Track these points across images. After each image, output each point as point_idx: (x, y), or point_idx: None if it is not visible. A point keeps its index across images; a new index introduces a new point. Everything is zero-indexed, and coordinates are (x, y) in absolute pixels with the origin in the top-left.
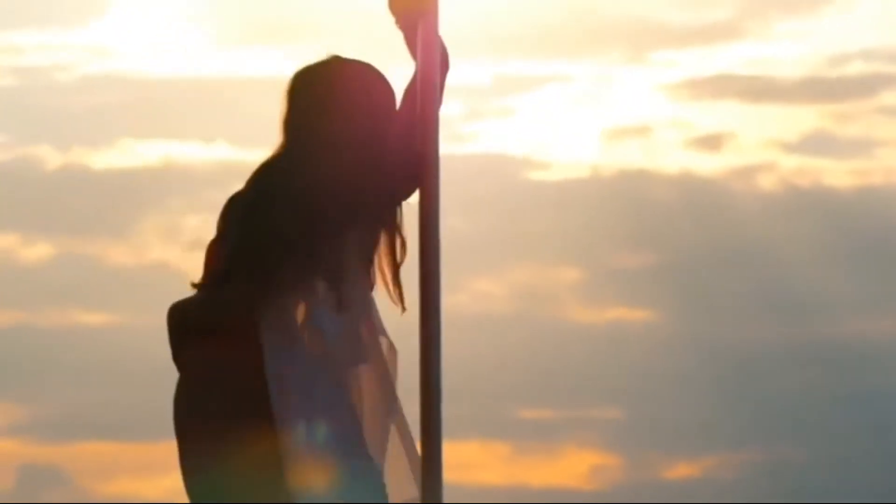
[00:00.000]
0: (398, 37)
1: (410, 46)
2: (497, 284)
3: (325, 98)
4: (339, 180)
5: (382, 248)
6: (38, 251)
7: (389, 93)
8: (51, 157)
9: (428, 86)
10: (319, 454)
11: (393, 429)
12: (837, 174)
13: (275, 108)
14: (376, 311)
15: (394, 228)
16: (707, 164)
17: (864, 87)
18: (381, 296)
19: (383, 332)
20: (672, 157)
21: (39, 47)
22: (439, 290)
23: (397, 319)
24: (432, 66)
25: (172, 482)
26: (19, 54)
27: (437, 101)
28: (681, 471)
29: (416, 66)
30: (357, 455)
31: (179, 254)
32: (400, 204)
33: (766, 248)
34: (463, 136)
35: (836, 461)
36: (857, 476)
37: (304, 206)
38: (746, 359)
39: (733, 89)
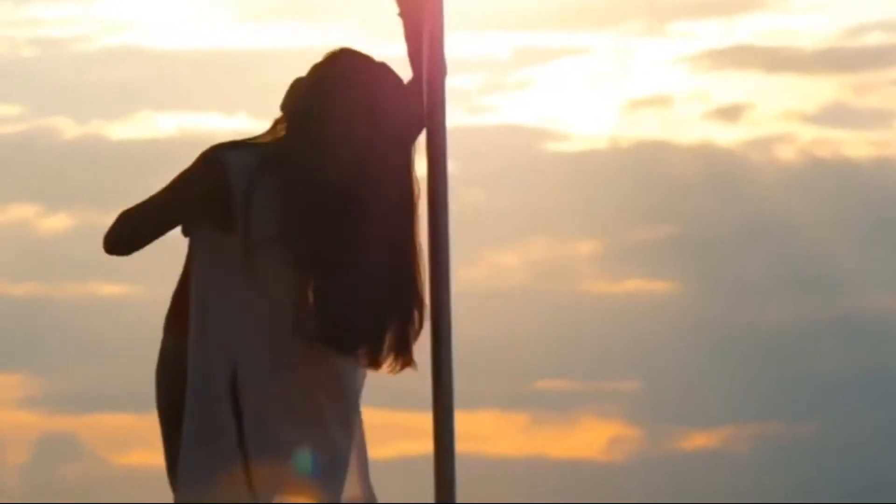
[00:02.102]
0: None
1: (409, 34)
2: (515, 257)
3: (330, 93)
4: (338, 176)
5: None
6: (56, 222)
7: (395, 89)
8: (69, 129)
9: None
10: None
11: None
12: (856, 145)
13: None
14: None
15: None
16: (726, 136)
17: (883, 58)
18: None
19: None
20: (691, 129)
21: (59, 19)
22: (448, 264)
23: None
24: (437, 46)
25: None
26: (39, 26)
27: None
28: (697, 441)
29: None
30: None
31: None
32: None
33: (784, 219)
34: (481, 108)
35: (852, 436)
36: (872, 450)
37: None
38: (764, 331)
39: (753, 60)
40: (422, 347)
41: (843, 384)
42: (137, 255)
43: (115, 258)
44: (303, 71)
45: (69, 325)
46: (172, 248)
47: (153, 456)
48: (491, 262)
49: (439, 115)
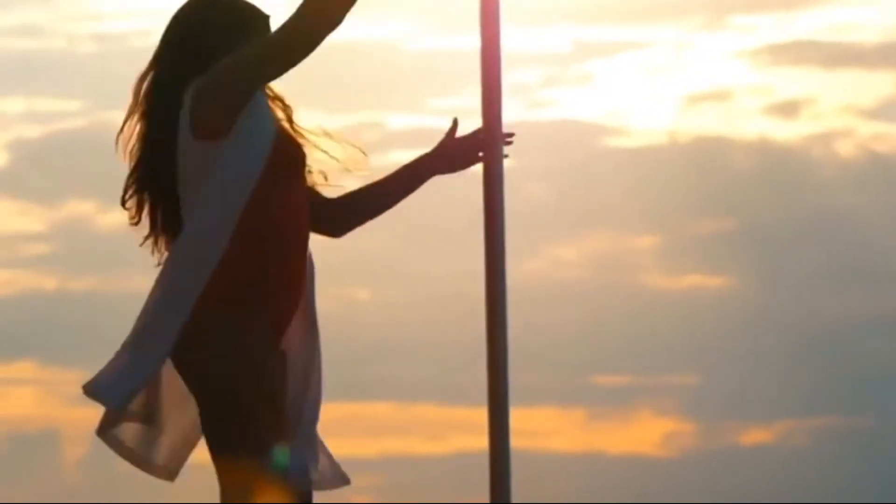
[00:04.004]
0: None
1: None
2: (574, 251)
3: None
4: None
5: None
6: (114, 218)
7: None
8: None
9: (490, 58)
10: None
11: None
12: None
13: (347, 74)
14: None
15: None
16: (785, 131)
17: None
18: None
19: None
20: (750, 124)
21: (119, 14)
22: (504, 258)
23: (461, 290)
24: (494, 37)
25: None
26: (99, 21)
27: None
28: (754, 437)
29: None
30: None
31: None
32: None
33: (843, 215)
34: (541, 102)
35: None
36: None
37: None
38: (822, 326)
39: (812, 55)
40: (478, 342)
41: None
42: None
43: None
44: (355, 64)
45: (126, 321)
46: None
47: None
48: (550, 257)
49: (496, 110)
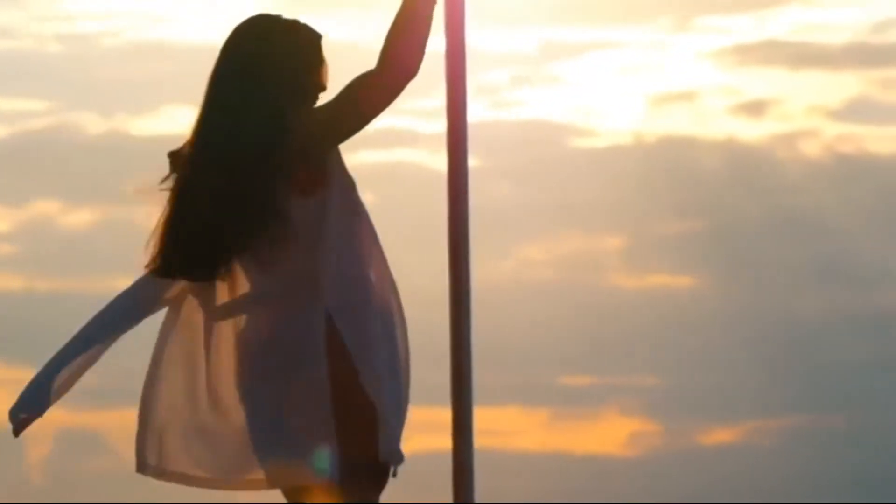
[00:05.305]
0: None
1: None
2: (540, 251)
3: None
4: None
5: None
6: (80, 218)
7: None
8: (94, 124)
9: (455, 60)
10: None
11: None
12: (881, 141)
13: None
14: None
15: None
16: (752, 131)
17: None
18: None
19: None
20: (717, 124)
21: (87, 15)
22: (468, 258)
23: (426, 291)
24: (459, 39)
25: None
26: (68, 21)
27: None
28: (718, 437)
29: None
30: None
31: None
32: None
33: (809, 215)
34: (508, 102)
35: (875, 430)
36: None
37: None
38: (788, 326)
39: (779, 56)
40: (443, 342)
41: (865, 378)
42: None
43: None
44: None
45: None
46: None
47: None
48: (517, 257)
49: (461, 110)
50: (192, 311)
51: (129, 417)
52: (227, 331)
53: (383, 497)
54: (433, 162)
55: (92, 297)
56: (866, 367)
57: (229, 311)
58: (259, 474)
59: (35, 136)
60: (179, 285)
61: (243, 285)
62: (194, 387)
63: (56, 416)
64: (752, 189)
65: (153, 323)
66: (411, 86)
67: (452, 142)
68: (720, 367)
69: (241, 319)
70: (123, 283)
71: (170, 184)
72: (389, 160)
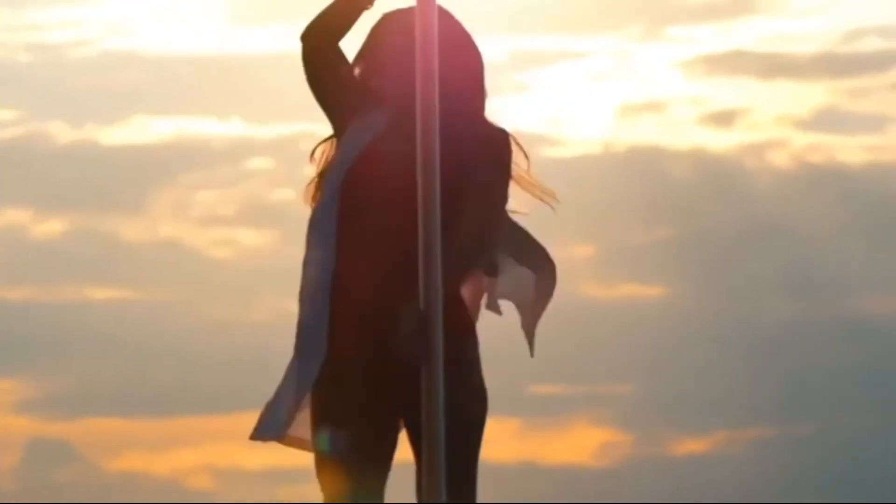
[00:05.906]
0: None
1: None
2: None
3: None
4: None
5: None
6: (50, 227)
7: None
8: (64, 133)
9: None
10: None
11: None
12: (850, 151)
13: (288, 85)
14: None
15: None
16: (720, 141)
17: (878, 63)
18: None
19: None
20: (686, 134)
21: (57, 24)
22: (438, 269)
23: None
24: (430, 47)
25: (181, 459)
26: (37, 31)
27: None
28: (688, 447)
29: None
30: None
31: (192, 230)
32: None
33: (778, 224)
34: None
35: (847, 438)
36: (867, 453)
37: None
38: (757, 335)
39: (748, 66)
40: None
41: (835, 387)
42: (129, 261)
43: (106, 261)
44: (295, 76)
45: (62, 330)
46: (165, 253)
47: (144, 460)
48: None
49: (431, 119)
50: None
51: (98, 426)
52: None
53: None
54: None
55: (63, 306)
56: (836, 376)
57: None
58: None
59: (5, 146)
60: None
61: None
62: None
63: (26, 425)
64: (721, 198)
65: (116, 332)
66: None
67: (424, 150)
68: (691, 376)
69: None
70: (94, 292)
71: None
72: None
